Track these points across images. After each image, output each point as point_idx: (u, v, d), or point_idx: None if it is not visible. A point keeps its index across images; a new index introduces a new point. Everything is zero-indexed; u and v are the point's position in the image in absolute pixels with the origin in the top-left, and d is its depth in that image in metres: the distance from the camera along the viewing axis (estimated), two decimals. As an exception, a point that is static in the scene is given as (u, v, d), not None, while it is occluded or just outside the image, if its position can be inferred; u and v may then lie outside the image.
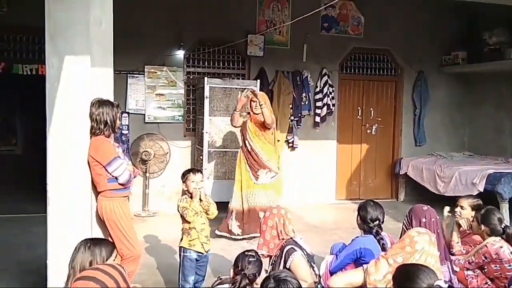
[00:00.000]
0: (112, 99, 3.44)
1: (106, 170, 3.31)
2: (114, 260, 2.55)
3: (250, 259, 2.86)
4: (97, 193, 3.41)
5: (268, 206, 5.25)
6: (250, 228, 5.55)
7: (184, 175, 3.83)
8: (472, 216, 4.05)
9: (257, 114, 5.60)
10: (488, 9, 6.03)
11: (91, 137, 3.33)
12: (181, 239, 3.81)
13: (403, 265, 2.45)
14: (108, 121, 3.33)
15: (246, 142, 5.66)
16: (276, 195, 5.67)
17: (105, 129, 3.34)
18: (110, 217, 3.40)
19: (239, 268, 2.84)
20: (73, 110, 3.26)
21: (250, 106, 5.69)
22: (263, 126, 5.60)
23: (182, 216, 3.76)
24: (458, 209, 4.19)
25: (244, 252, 2.95)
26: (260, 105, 5.49)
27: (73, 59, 3.20)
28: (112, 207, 3.39)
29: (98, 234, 3.40)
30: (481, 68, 7.76)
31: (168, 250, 5.20)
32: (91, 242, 2.52)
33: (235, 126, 5.94)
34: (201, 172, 3.99)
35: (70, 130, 3.27)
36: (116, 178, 3.36)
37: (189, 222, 3.71)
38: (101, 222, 3.45)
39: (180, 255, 3.82)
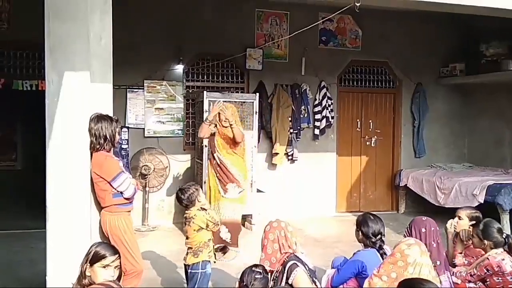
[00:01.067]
0: (111, 114, 3.45)
1: (111, 185, 3.32)
2: (116, 265, 2.60)
3: (257, 276, 2.83)
4: (100, 208, 3.41)
5: (230, 219, 5.37)
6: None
7: (195, 192, 3.77)
8: (469, 227, 4.05)
9: (225, 127, 5.42)
10: (485, 21, 6.07)
11: (91, 152, 3.33)
12: (186, 254, 3.76)
13: (405, 280, 2.42)
14: (108, 136, 3.33)
15: (215, 155, 5.49)
16: (241, 208, 5.59)
17: (104, 144, 3.34)
18: (115, 232, 3.39)
19: (244, 283, 2.82)
20: (73, 125, 3.26)
21: (219, 119, 5.47)
22: (233, 141, 5.44)
23: (196, 230, 3.68)
24: (456, 220, 4.19)
25: (252, 267, 2.92)
26: (231, 125, 5.31)
27: (72, 74, 3.22)
28: (116, 222, 3.39)
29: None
30: (479, 79, 7.79)
31: (168, 264, 5.17)
32: (103, 243, 2.73)
33: (201, 138, 5.78)
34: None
35: (70, 145, 3.27)
36: (121, 192, 3.37)
37: (209, 234, 3.71)
38: (105, 237, 3.44)
39: (189, 271, 3.71)
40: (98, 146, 3.33)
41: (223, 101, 5.69)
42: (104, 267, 2.56)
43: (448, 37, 8.34)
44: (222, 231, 5.37)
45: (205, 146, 6.54)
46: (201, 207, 3.77)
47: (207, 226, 3.69)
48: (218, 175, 5.48)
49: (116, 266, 2.70)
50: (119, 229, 3.40)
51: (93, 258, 2.57)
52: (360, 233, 3.53)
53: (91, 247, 2.67)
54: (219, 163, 5.47)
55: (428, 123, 8.39)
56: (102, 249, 2.64)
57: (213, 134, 5.53)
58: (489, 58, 7.62)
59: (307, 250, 4.82)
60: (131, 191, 3.41)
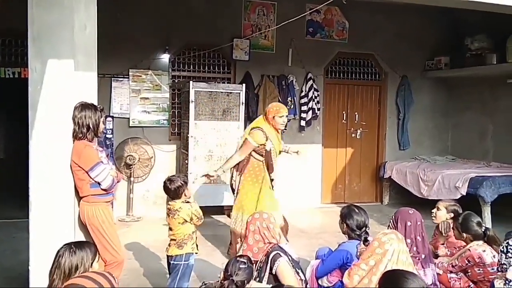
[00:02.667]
0: (96, 103, 3.41)
1: (89, 175, 3.28)
2: (97, 262, 2.54)
3: (241, 266, 2.84)
4: (79, 198, 3.38)
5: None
6: None
7: (183, 186, 3.70)
8: (447, 218, 4.13)
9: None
10: (470, 15, 6.13)
11: (73, 140, 3.29)
12: (169, 245, 3.74)
13: (388, 272, 2.43)
14: (91, 125, 3.29)
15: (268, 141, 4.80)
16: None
17: (87, 133, 3.30)
18: (92, 222, 3.37)
19: (229, 273, 2.83)
20: (56, 114, 3.22)
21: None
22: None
23: (181, 223, 3.64)
24: (434, 210, 4.26)
25: (236, 257, 2.93)
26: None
27: (56, 62, 3.17)
28: (94, 212, 3.36)
29: (81, 239, 3.36)
30: (463, 73, 7.88)
31: (151, 255, 5.16)
32: (75, 246, 2.51)
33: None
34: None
35: (53, 134, 3.23)
36: (99, 183, 3.33)
37: (193, 226, 3.69)
38: (83, 227, 3.42)
39: (172, 263, 3.67)
40: (80, 135, 3.29)
41: None
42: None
43: (433, 31, 8.39)
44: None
45: (191, 136, 6.53)
46: (186, 200, 3.75)
47: (191, 219, 3.67)
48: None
49: (97, 260, 2.64)
50: (96, 219, 3.36)
51: (70, 270, 2.39)
52: (345, 226, 3.56)
53: (61, 257, 2.43)
54: (270, 149, 4.82)
55: (413, 116, 8.47)
56: (80, 258, 2.43)
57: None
58: (473, 52, 7.70)
59: (292, 241, 4.87)
60: (108, 182, 3.36)
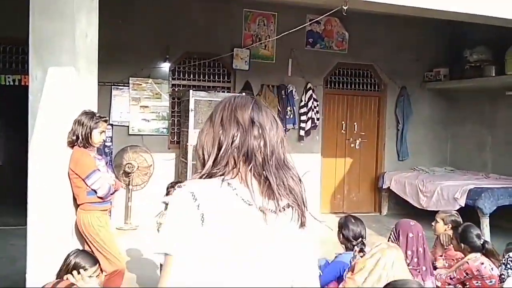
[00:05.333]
0: (95, 111, 3.41)
1: (85, 183, 3.28)
2: (97, 274, 2.55)
3: None
4: (77, 206, 3.38)
5: None
6: None
7: (173, 187, 3.76)
8: (446, 230, 4.12)
9: None
10: (470, 28, 6.18)
11: (67, 145, 3.29)
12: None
13: (391, 283, 2.43)
14: (81, 132, 3.28)
15: None
16: None
17: (78, 141, 3.30)
18: (88, 230, 3.37)
19: None
20: (56, 122, 3.23)
21: None
22: None
23: None
24: (433, 223, 4.26)
25: None
26: None
27: (57, 70, 3.19)
28: (90, 220, 3.35)
29: (78, 247, 3.36)
30: (462, 84, 7.90)
31: (148, 263, 5.13)
32: (82, 251, 2.72)
33: None
34: None
35: (52, 142, 3.24)
36: (95, 191, 3.33)
37: None
38: (80, 236, 3.41)
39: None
40: (69, 140, 3.29)
41: None
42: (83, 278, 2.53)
43: (433, 42, 8.43)
44: None
45: (190, 145, 6.52)
46: None
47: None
48: None
49: (97, 275, 2.67)
50: (92, 227, 3.36)
51: (72, 269, 2.51)
52: (341, 236, 3.55)
53: (69, 257, 2.60)
54: None
55: (412, 126, 8.48)
56: (82, 260, 2.57)
57: None
58: (472, 64, 7.73)
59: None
60: (104, 190, 3.36)
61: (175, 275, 1.22)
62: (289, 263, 1.34)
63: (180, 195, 1.28)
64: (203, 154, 1.39)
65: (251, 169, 1.33)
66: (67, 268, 2.51)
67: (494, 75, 7.28)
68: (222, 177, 1.32)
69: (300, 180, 1.53)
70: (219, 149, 1.35)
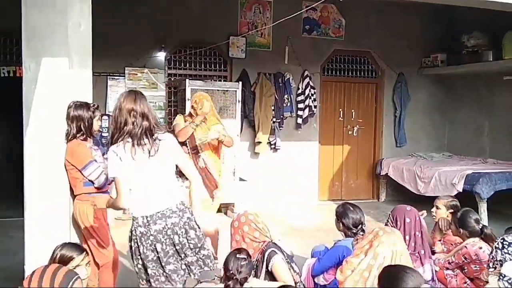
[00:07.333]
0: (90, 101, 3.40)
1: (82, 173, 3.28)
2: (86, 262, 2.59)
3: (242, 263, 2.83)
4: (74, 197, 3.37)
5: (213, 230, 4.35)
6: None
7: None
8: (448, 215, 4.13)
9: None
10: (467, 13, 6.13)
11: (66, 141, 3.28)
12: None
13: (388, 267, 2.45)
14: (82, 127, 3.28)
15: (200, 157, 4.53)
16: (216, 216, 4.83)
17: (79, 134, 3.29)
18: (83, 220, 3.37)
19: (231, 271, 2.81)
20: (50, 113, 3.21)
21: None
22: (218, 143, 4.65)
23: None
24: (434, 209, 4.27)
25: (235, 254, 2.91)
26: (220, 140, 4.52)
27: (50, 61, 3.15)
28: (86, 210, 3.35)
29: (75, 239, 3.36)
30: (459, 70, 7.88)
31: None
32: (69, 243, 2.78)
33: (183, 142, 4.48)
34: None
35: (47, 133, 3.22)
36: (92, 182, 3.32)
37: None
38: (77, 227, 3.41)
39: None
40: (71, 137, 3.28)
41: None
42: (74, 268, 2.54)
43: (430, 28, 8.39)
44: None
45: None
46: None
47: None
48: (204, 181, 4.49)
49: (87, 263, 2.69)
50: (87, 217, 3.35)
51: (60, 263, 2.53)
52: (341, 225, 3.56)
53: (55, 250, 2.65)
54: (204, 166, 4.54)
55: (410, 113, 8.47)
56: (68, 251, 2.62)
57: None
58: (470, 49, 7.69)
59: (288, 238, 4.88)
60: (101, 181, 3.36)
61: (123, 184, 2.72)
62: (163, 169, 2.81)
63: (109, 152, 2.75)
64: (114, 129, 2.77)
65: (132, 137, 2.72)
66: (54, 262, 2.55)
67: (491, 60, 7.25)
68: (122, 142, 2.73)
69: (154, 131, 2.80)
70: (120, 127, 2.75)
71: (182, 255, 2.80)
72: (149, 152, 2.70)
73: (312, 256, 3.78)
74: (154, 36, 6.97)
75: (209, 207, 4.59)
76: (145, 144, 2.70)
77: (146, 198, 2.76)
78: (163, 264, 2.75)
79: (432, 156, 8.02)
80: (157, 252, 2.74)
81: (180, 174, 3.92)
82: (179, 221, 2.78)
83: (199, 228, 2.88)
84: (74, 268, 2.54)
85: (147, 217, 2.76)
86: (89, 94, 3.41)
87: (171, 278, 2.76)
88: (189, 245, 2.79)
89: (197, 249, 2.82)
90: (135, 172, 2.72)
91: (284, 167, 7.72)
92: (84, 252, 2.72)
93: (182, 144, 4.44)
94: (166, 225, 2.75)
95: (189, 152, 4.53)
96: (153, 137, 2.73)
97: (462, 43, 7.82)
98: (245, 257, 2.89)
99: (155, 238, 2.74)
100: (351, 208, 3.56)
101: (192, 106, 4.63)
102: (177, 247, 2.77)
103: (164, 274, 2.76)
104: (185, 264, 2.83)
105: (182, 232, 2.78)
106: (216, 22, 7.26)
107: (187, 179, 3.86)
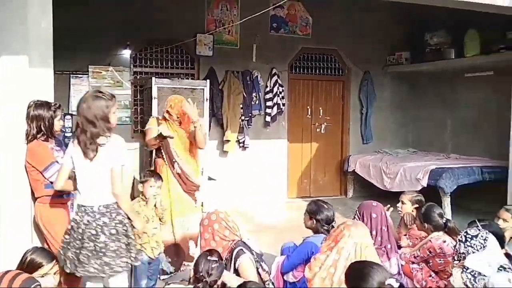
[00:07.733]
0: (52, 101, 3.29)
1: (43, 175, 3.17)
2: (54, 271, 2.50)
3: (213, 265, 2.79)
4: (35, 199, 3.25)
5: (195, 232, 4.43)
6: (180, 259, 4.64)
7: (145, 177, 3.73)
8: (413, 210, 4.22)
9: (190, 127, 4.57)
10: (430, 11, 6.27)
11: (27, 141, 3.17)
12: None
13: (354, 263, 2.47)
14: (42, 127, 3.18)
15: (175, 163, 4.51)
16: (200, 216, 4.65)
17: (39, 135, 3.18)
18: (44, 223, 3.25)
19: (201, 273, 2.76)
20: (10, 112, 3.10)
21: (183, 117, 4.60)
22: (193, 144, 4.61)
23: None
24: (399, 204, 4.35)
25: (206, 255, 2.86)
26: (194, 126, 4.44)
27: (9, 59, 3.05)
28: (47, 213, 3.23)
29: (37, 242, 3.25)
30: (423, 67, 8.06)
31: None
32: (40, 248, 2.72)
33: (152, 145, 4.61)
34: (161, 180, 3.90)
35: (7, 134, 3.10)
36: (53, 183, 3.22)
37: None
38: (39, 230, 3.30)
39: None
40: (31, 137, 3.17)
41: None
42: (42, 276, 2.46)
43: (395, 27, 8.53)
44: (191, 246, 4.52)
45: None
46: (142, 195, 3.72)
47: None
48: (183, 186, 4.55)
49: (55, 272, 2.61)
50: (49, 221, 3.24)
51: (29, 268, 2.44)
52: (314, 222, 3.57)
53: (25, 253, 2.57)
54: (180, 171, 4.53)
55: (375, 110, 8.61)
56: (38, 256, 2.53)
57: (164, 137, 4.48)
58: (433, 47, 7.88)
59: (257, 236, 4.87)
60: None
61: (65, 170, 3.03)
62: (101, 166, 2.92)
63: (69, 144, 3.01)
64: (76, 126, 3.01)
65: (77, 137, 2.91)
66: (23, 265, 2.44)
67: (453, 57, 7.44)
68: (75, 141, 2.95)
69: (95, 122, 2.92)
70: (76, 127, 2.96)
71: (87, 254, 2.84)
72: (90, 157, 2.89)
73: (281, 253, 3.79)
74: (119, 33, 6.82)
75: (193, 209, 4.64)
76: (88, 149, 2.87)
77: (83, 192, 2.96)
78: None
79: (398, 152, 8.18)
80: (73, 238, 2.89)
81: (151, 173, 3.90)
82: (93, 222, 2.86)
83: (123, 237, 2.92)
84: (42, 276, 2.45)
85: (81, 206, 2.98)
86: (50, 93, 3.31)
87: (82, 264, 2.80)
88: (94, 247, 2.81)
89: (101, 254, 2.81)
90: (78, 170, 2.96)
91: (253, 165, 7.72)
92: (54, 261, 2.62)
93: (157, 156, 4.62)
94: (81, 220, 2.89)
95: (165, 162, 4.55)
96: (97, 142, 2.89)
97: (425, 42, 8.00)
98: (216, 259, 2.85)
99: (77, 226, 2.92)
100: (325, 206, 3.59)
101: (168, 111, 4.62)
102: (86, 244, 2.82)
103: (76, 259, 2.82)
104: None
105: (93, 233, 2.84)
106: (183, 19, 7.16)
107: (160, 179, 3.87)
